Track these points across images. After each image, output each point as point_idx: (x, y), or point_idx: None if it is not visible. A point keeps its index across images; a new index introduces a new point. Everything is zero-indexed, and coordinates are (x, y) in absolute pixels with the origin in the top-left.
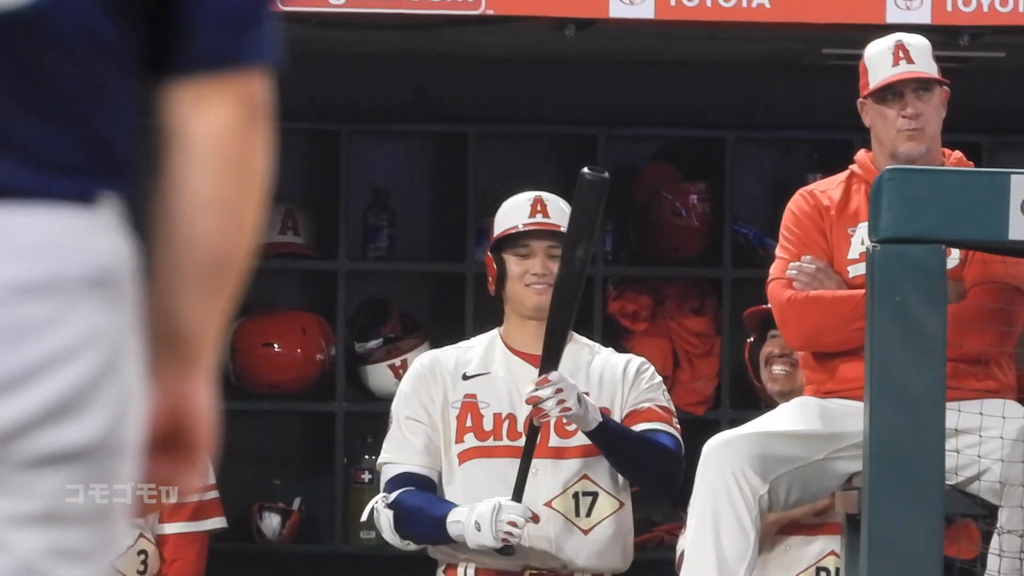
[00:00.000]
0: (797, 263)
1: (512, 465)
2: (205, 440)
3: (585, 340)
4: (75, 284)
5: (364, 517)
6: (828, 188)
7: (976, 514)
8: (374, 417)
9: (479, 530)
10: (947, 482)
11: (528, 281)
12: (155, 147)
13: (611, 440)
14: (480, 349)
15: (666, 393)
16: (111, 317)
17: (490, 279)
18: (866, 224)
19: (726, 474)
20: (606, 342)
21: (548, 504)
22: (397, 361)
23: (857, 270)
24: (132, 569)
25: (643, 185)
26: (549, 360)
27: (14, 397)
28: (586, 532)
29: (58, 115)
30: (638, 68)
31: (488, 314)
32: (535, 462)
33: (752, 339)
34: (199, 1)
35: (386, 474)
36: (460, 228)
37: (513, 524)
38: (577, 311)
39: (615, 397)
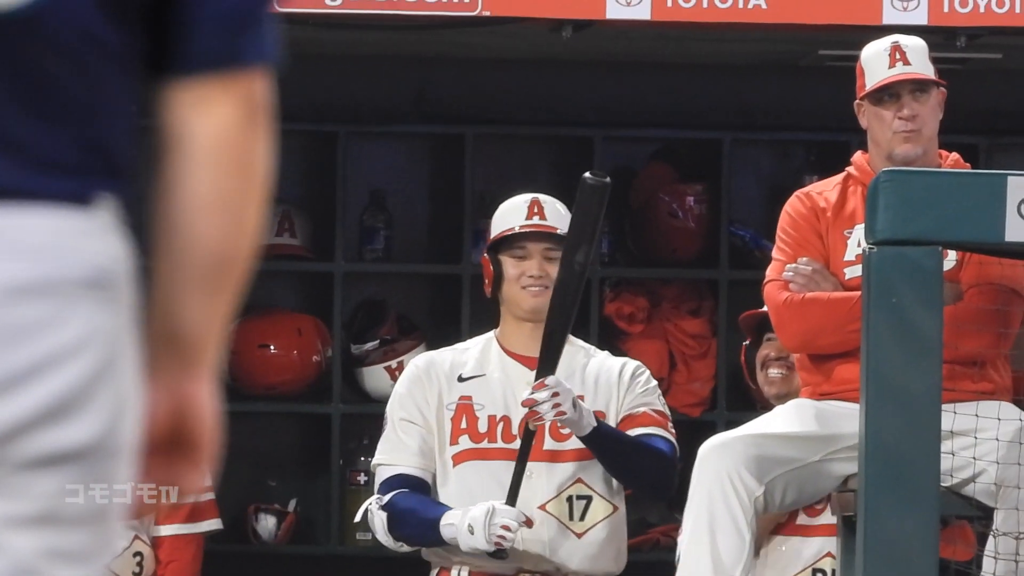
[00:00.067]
0: (793, 265)
1: (507, 467)
2: (208, 441)
3: (580, 343)
4: (73, 285)
5: (358, 518)
6: (824, 190)
7: (971, 516)
8: (370, 419)
9: (472, 533)
10: (943, 484)
11: (524, 283)
12: (155, 148)
13: (605, 445)
14: (476, 351)
15: (661, 397)
16: (108, 318)
17: (486, 281)
18: (863, 226)
19: (722, 476)
20: (602, 344)
21: (542, 507)
22: (394, 363)
23: (853, 272)
24: (128, 571)
25: (640, 186)
26: (546, 364)
27: (12, 398)
28: (579, 536)
29: (56, 116)
30: (635, 69)
31: (485, 316)
32: (529, 465)
33: (748, 342)
34: (199, 2)
35: (380, 475)
36: (457, 230)
37: (506, 528)
38: (576, 315)
39: (610, 401)
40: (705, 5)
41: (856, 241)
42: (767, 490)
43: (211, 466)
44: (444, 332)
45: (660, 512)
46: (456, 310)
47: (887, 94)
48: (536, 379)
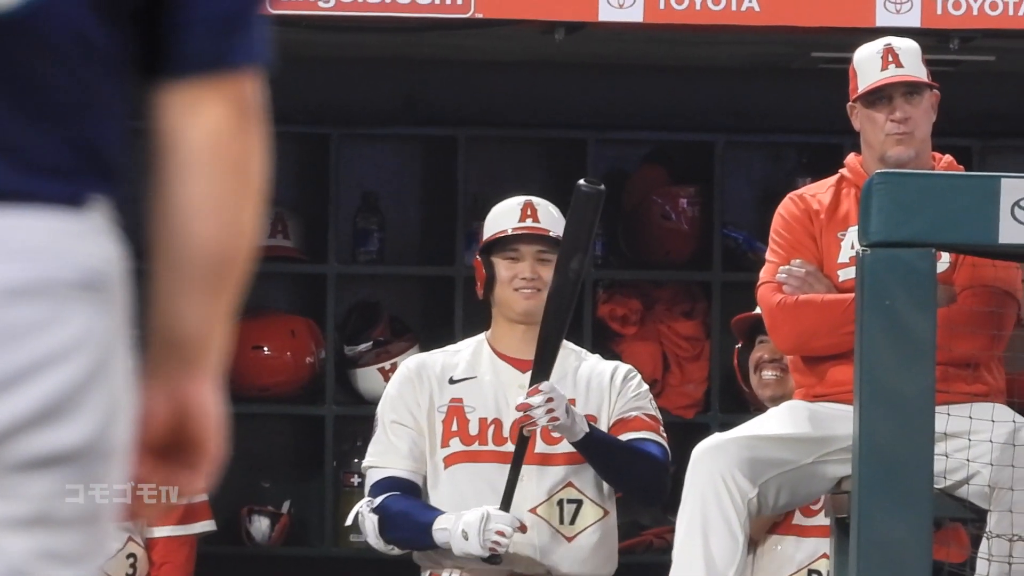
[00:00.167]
0: (787, 267)
1: (497, 470)
2: (213, 442)
3: (572, 346)
4: (66, 287)
5: (349, 521)
6: (818, 192)
7: (965, 518)
8: (364, 420)
9: (466, 539)
10: (936, 486)
11: (517, 285)
12: (149, 151)
13: (598, 450)
14: (467, 353)
15: (653, 401)
16: (101, 320)
17: (478, 283)
18: (856, 228)
19: (715, 477)
20: (596, 346)
21: (533, 511)
22: (387, 364)
23: (847, 274)
24: (121, 572)
25: (633, 189)
26: (541, 370)
27: (6, 399)
28: (570, 539)
29: (48, 118)
30: (628, 72)
31: (478, 317)
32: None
33: (740, 346)
34: (190, 4)
35: (371, 478)
36: (450, 232)
37: (501, 534)
38: (570, 322)
39: (602, 405)
40: (698, 7)
41: (850, 243)
42: (760, 492)
43: (216, 467)
44: (437, 334)
45: (654, 515)
46: (449, 312)
47: (879, 96)
48: (530, 385)
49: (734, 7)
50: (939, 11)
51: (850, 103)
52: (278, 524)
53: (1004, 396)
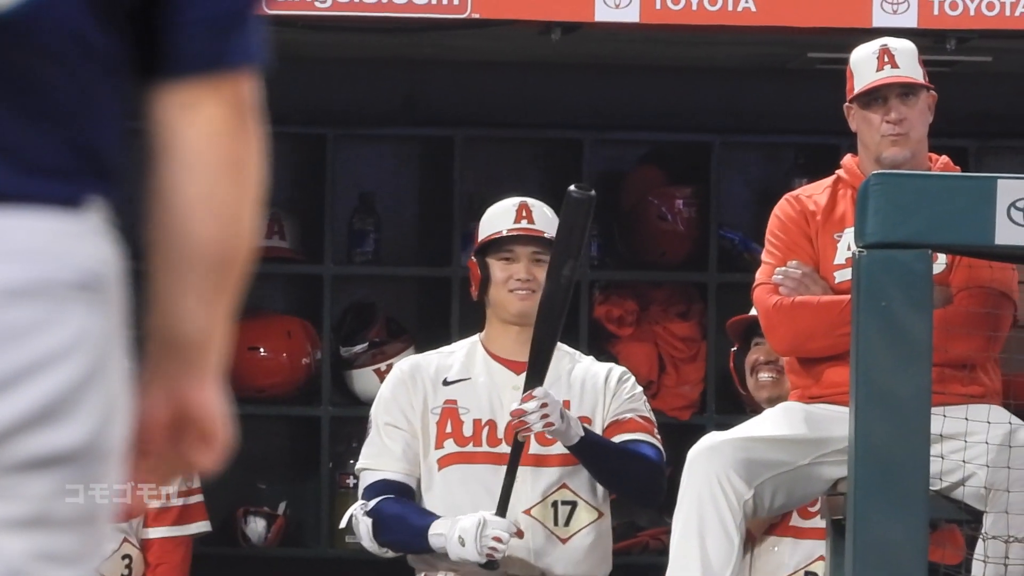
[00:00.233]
0: (783, 268)
1: (492, 471)
2: (217, 443)
3: (566, 348)
4: (63, 288)
5: (343, 524)
6: (814, 193)
7: (961, 519)
8: (360, 422)
9: (463, 545)
10: (932, 487)
11: (512, 287)
12: (147, 151)
13: (593, 453)
14: (461, 355)
15: (647, 403)
16: (98, 321)
17: (473, 284)
18: (852, 229)
19: (711, 479)
20: (592, 347)
21: (527, 512)
22: (383, 365)
23: (843, 275)
24: (116, 573)
25: (629, 189)
26: (534, 375)
27: (4, 400)
28: (564, 541)
29: (45, 119)
30: (624, 72)
31: (474, 318)
32: None
33: (735, 348)
34: (186, 4)
35: (364, 480)
36: (446, 232)
37: (498, 540)
38: (563, 326)
39: (596, 406)
40: (694, 7)
41: (846, 244)
42: (756, 493)
43: (218, 468)
44: (433, 335)
45: (650, 516)
46: (445, 313)
47: (875, 97)
48: (524, 390)
49: (730, 7)
50: (936, 12)
51: (846, 104)
52: (274, 525)
53: (1000, 397)
